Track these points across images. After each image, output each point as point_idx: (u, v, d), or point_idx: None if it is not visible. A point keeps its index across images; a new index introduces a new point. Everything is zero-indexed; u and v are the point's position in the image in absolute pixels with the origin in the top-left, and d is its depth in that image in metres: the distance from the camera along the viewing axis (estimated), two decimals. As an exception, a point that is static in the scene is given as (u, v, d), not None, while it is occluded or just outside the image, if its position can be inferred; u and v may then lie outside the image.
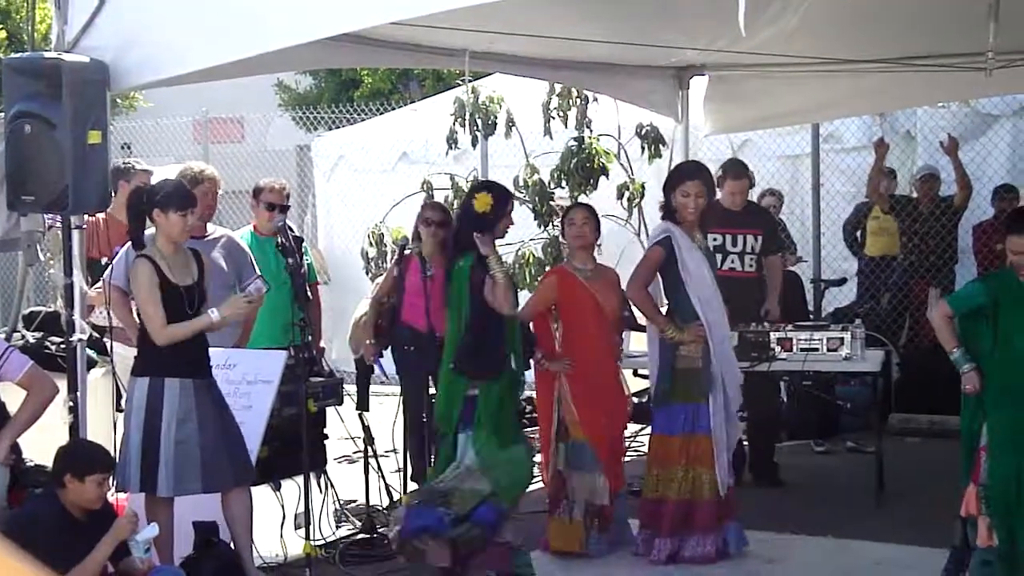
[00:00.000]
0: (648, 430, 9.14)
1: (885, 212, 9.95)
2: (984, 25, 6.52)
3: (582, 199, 8.86)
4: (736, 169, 7.59)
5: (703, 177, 6.07)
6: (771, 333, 7.01)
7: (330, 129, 14.91)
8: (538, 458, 6.34)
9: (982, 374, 5.07)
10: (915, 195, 10.13)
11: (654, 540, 5.98)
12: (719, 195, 7.15)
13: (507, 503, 5.59)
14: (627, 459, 6.92)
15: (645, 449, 8.81)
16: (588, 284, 6.17)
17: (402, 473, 7.10)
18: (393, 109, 14.08)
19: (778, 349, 7.28)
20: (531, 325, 6.18)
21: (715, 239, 7.10)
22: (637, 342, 8.43)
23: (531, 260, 9.01)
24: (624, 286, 6.23)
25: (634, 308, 6.35)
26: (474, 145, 9.68)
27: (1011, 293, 5.05)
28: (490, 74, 9.11)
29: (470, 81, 8.32)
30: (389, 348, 7.52)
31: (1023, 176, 10.25)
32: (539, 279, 8.98)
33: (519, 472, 5.70)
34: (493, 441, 5.58)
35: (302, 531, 5.87)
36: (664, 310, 6.13)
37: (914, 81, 8.27)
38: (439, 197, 8.87)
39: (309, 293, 6.52)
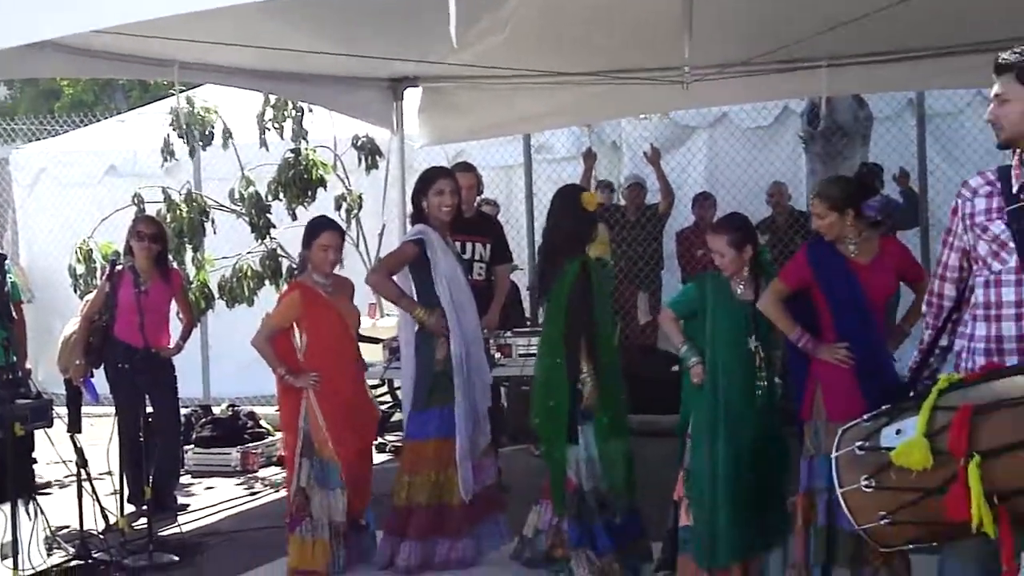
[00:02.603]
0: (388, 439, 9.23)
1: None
2: (680, 41, 6.89)
3: (300, 211, 8.81)
4: (463, 164, 7.70)
5: (455, 173, 6.12)
6: (491, 340, 7.14)
7: (30, 141, 14.21)
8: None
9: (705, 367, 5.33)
10: (623, 203, 10.56)
11: (400, 546, 5.91)
12: None
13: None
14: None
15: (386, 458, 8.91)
16: (330, 298, 6.11)
17: (119, 495, 6.85)
18: (98, 120, 13.55)
19: (498, 355, 7.43)
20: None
21: None
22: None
23: (249, 273, 8.87)
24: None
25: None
26: (192, 156, 9.44)
27: (720, 294, 5.32)
28: (201, 85, 8.91)
29: (182, 92, 8.11)
30: (101, 367, 7.26)
31: (719, 184, 10.87)
32: (257, 293, 8.92)
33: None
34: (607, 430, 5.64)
35: (9, 561, 5.58)
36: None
37: (619, 93, 8.62)
38: (151, 211, 8.61)
39: (13, 312, 6.21)
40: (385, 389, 10.03)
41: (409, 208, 6.35)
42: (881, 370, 4.38)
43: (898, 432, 3.23)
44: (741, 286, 5.33)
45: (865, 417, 3.40)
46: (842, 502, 3.32)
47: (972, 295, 3.57)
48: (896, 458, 3.15)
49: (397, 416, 9.78)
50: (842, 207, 4.97)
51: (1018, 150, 3.50)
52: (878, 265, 5.01)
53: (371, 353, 8.23)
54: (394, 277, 6.13)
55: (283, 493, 7.90)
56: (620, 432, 5.69)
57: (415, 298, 6.09)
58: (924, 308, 3.82)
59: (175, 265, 8.22)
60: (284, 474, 8.37)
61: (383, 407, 9.85)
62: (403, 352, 6.24)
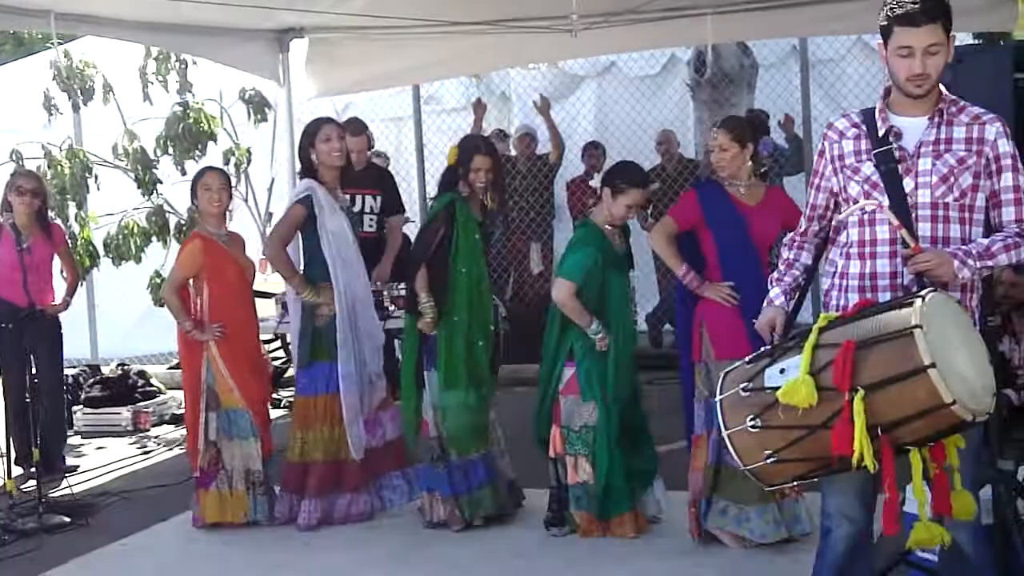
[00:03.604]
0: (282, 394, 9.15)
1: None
2: (568, -12, 6.90)
3: (189, 166, 8.64)
4: (355, 125, 7.60)
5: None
6: (384, 292, 7.11)
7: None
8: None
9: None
10: (513, 154, 10.57)
11: (301, 504, 5.90)
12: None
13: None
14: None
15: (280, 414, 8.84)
16: (227, 248, 6.04)
17: (5, 459, 6.72)
18: (-30, 76, 13.09)
19: (391, 307, 7.40)
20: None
21: None
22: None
23: (135, 230, 8.69)
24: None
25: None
26: (76, 111, 9.18)
27: (605, 250, 5.34)
28: (79, 37, 8.66)
29: (59, 44, 7.88)
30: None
31: (608, 133, 10.94)
32: (145, 250, 8.76)
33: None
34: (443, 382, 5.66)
35: None
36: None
37: (507, 43, 8.60)
38: (31, 167, 8.37)
39: None
40: (278, 344, 9.96)
41: (299, 165, 6.27)
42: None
43: (782, 371, 3.26)
44: (617, 236, 5.39)
45: (747, 359, 3.43)
46: (728, 444, 3.35)
47: (841, 234, 3.63)
48: (782, 397, 3.18)
49: (291, 372, 9.72)
50: (743, 141, 5.07)
51: (882, 95, 3.56)
52: (764, 209, 5.11)
53: (263, 308, 8.16)
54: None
55: (178, 451, 7.85)
56: (466, 383, 5.68)
57: (302, 254, 6.05)
58: (785, 244, 3.85)
59: (56, 220, 8.01)
60: (178, 432, 8.32)
61: (276, 362, 9.79)
62: (291, 308, 6.19)
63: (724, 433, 3.35)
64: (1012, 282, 5.41)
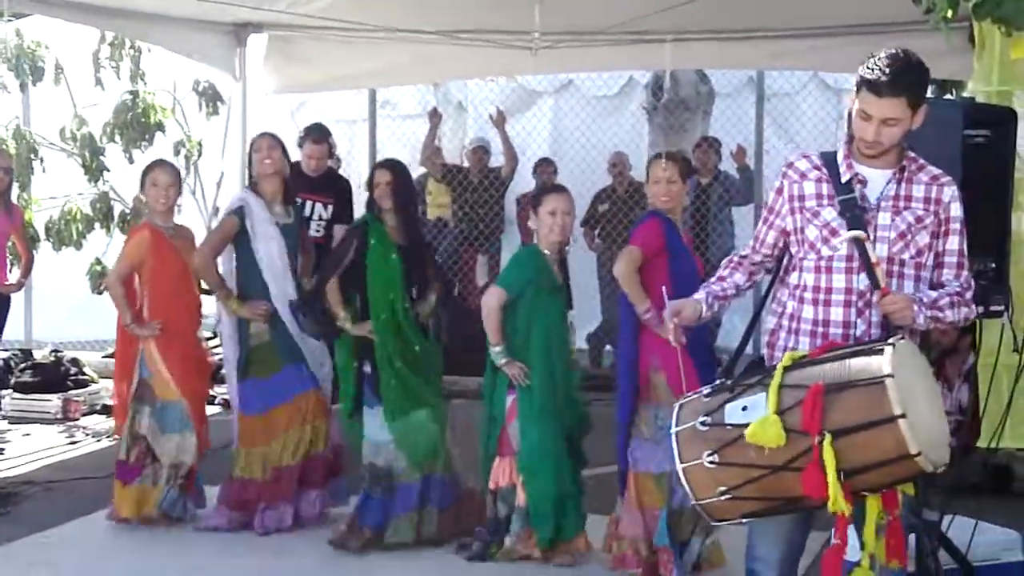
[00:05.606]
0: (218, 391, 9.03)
1: (437, 180, 10.31)
2: (531, 7, 6.91)
3: (137, 155, 8.55)
4: (317, 133, 7.53)
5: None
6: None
7: None
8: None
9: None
10: (466, 165, 10.55)
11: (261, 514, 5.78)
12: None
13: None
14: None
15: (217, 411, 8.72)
16: (173, 243, 5.96)
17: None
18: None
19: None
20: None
21: None
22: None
23: (78, 216, 8.59)
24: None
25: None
26: (23, 91, 9.03)
27: (542, 271, 5.25)
28: (29, 15, 8.54)
29: (8, 21, 7.75)
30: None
31: (562, 150, 10.96)
32: (87, 236, 8.65)
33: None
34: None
35: None
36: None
37: (467, 54, 8.59)
38: (-26, 145, 8.26)
39: None
40: (219, 341, 9.84)
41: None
42: (708, 348, 4.38)
43: (744, 408, 3.21)
44: (555, 264, 5.32)
45: (704, 392, 3.37)
46: (682, 477, 3.30)
47: (792, 275, 3.61)
48: (750, 437, 3.13)
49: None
50: (685, 177, 5.09)
51: (845, 140, 3.57)
52: (691, 248, 5.16)
53: (207, 305, 8.07)
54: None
55: (107, 443, 7.74)
56: (418, 405, 5.61)
57: (235, 266, 5.95)
58: (724, 264, 3.83)
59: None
60: (109, 423, 8.19)
61: (216, 358, 9.67)
62: (224, 320, 6.04)
63: (679, 466, 3.30)
64: (941, 329, 5.47)
